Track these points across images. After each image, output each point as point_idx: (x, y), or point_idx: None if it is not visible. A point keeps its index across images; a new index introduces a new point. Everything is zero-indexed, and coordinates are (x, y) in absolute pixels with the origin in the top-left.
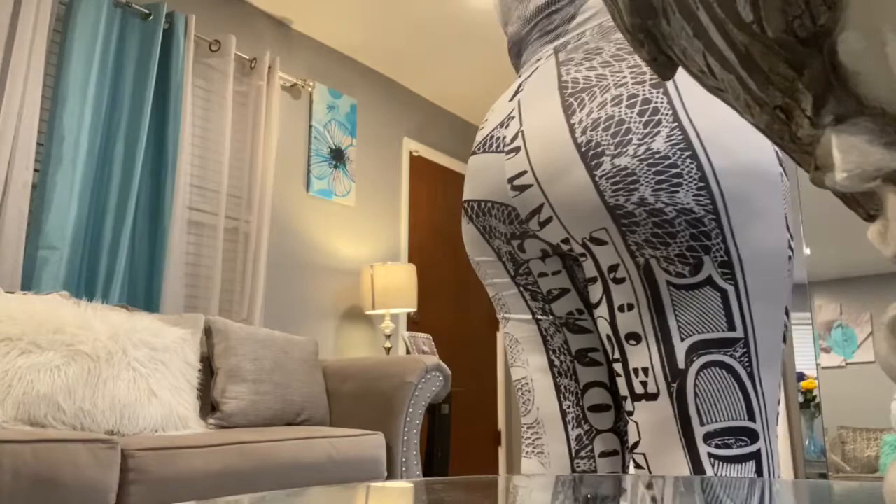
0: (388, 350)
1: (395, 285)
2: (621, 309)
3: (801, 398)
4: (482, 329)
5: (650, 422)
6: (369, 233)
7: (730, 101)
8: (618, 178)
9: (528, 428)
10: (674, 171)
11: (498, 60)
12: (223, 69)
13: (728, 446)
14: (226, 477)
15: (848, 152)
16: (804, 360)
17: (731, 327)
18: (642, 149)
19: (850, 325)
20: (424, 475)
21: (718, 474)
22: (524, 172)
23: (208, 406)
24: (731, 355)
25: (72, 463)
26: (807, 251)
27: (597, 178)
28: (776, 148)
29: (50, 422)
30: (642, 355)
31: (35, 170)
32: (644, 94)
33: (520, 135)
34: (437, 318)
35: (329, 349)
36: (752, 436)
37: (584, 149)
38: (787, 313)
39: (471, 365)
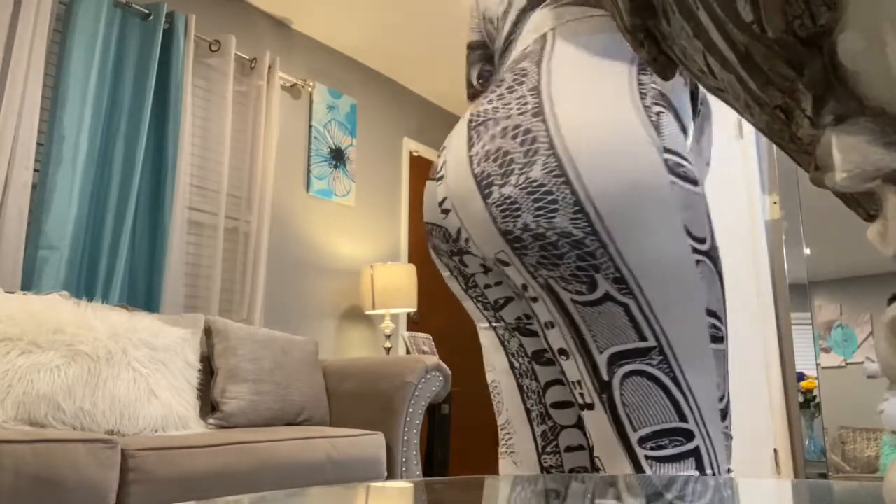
0: (388, 350)
1: (395, 285)
2: (546, 326)
3: (801, 398)
4: None
5: (594, 429)
6: (369, 233)
7: (730, 101)
8: (504, 206)
9: (501, 429)
10: (550, 197)
11: None
12: (223, 69)
13: (663, 447)
14: (226, 477)
15: (848, 152)
16: (804, 360)
17: (642, 337)
18: (522, 178)
19: (850, 325)
20: (424, 475)
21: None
22: (446, 198)
23: (208, 406)
24: (648, 363)
25: (72, 463)
26: (807, 251)
27: (489, 206)
28: (669, 156)
29: (50, 422)
30: (573, 369)
31: (35, 170)
32: (525, 125)
33: (444, 164)
34: (437, 318)
35: (329, 349)
36: (687, 435)
37: (478, 179)
38: (713, 315)
39: (471, 365)
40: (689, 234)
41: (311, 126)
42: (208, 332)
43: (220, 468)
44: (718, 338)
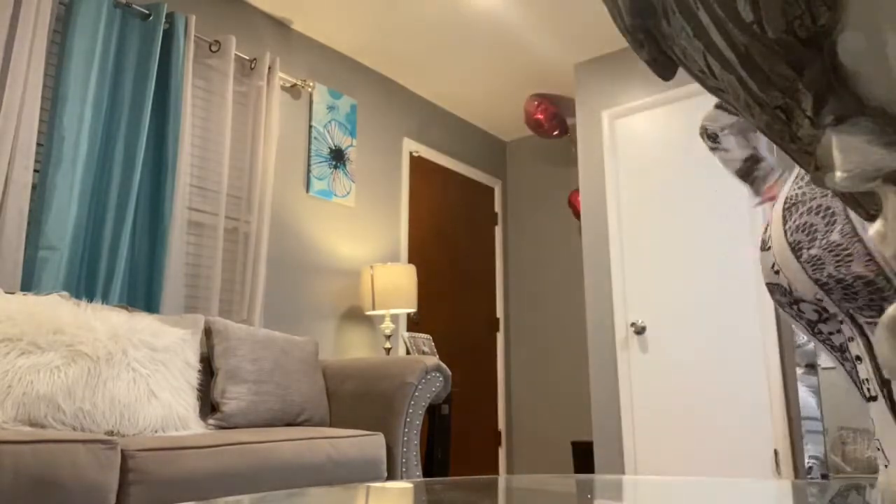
0: (388, 350)
1: (395, 285)
2: (849, 339)
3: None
4: (482, 329)
5: (877, 417)
6: (369, 233)
7: (730, 101)
8: (812, 263)
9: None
10: (846, 252)
11: (498, 61)
12: (223, 69)
13: None
14: (226, 477)
15: (848, 152)
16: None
17: None
18: (824, 241)
19: None
20: (424, 475)
21: None
22: (774, 262)
23: (208, 406)
24: None
25: (72, 463)
26: None
27: (802, 263)
28: None
29: (50, 422)
30: (864, 370)
31: (35, 170)
32: (825, 203)
33: (769, 237)
34: (437, 318)
35: (329, 349)
36: None
37: (792, 245)
38: None
39: (471, 365)
40: None
41: (311, 126)
42: (208, 333)
43: (220, 469)
44: None
